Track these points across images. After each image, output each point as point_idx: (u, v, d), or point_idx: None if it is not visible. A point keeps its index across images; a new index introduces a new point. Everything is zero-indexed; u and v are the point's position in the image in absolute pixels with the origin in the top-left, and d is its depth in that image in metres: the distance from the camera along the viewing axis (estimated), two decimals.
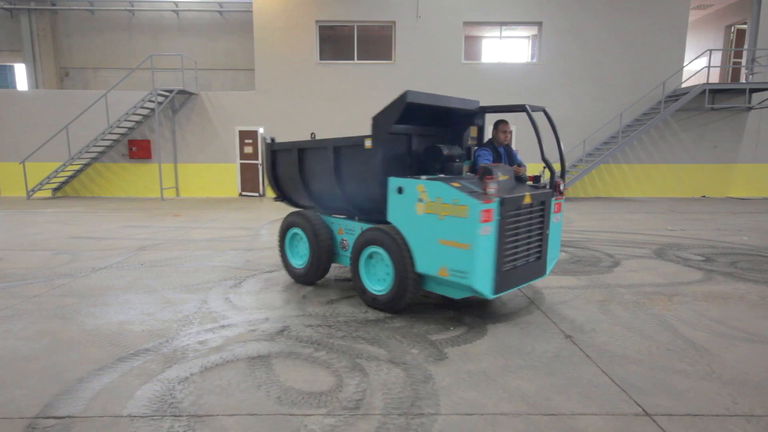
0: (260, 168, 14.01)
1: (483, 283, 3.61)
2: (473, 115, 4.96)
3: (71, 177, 13.91)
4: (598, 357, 3.33)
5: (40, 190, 13.24)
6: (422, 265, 3.87)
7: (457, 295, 3.88)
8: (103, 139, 13.30)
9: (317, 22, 13.79)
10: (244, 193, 14.26)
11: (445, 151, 4.52)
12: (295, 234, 5.12)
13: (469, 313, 4.21)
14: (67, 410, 2.64)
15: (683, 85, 13.68)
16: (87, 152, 13.31)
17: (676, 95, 13.45)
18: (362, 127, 15.03)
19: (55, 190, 14.01)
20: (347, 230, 4.71)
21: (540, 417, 2.59)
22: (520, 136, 13.94)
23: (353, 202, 4.61)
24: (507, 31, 14.68)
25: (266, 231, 8.44)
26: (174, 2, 15.19)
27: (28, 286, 4.97)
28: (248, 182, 14.22)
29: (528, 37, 15.43)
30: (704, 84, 12.61)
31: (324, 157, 4.68)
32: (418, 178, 3.91)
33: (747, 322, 4.00)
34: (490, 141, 4.86)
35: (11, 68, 16.47)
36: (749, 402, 2.75)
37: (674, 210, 11.26)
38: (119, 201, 13.12)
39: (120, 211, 11.00)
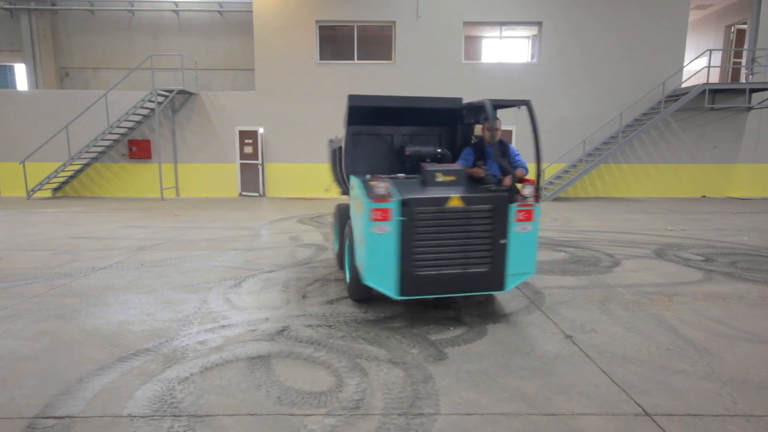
0: (260, 168, 14.02)
1: (380, 282, 3.67)
2: (461, 112, 4.93)
3: (71, 177, 13.91)
4: (598, 357, 3.33)
5: (40, 190, 13.24)
6: (355, 258, 4.07)
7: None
8: (103, 139, 13.30)
9: (317, 22, 13.79)
10: (244, 193, 14.26)
11: (408, 151, 4.54)
12: None
13: (469, 313, 4.21)
14: (67, 410, 2.64)
15: (683, 85, 13.68)
16: (87, 152, 13.31)
17: (676, 95, 13.45)
18: None
19: (55, 190, 14.01)
20: None
21: (540, 417, 2.59)
22: (519, 136, 13.94)
23: None
24: (507, 31, 14.68)
25: (266, 231, 8.44)
26: (174, 2, 15.19)
27: (28, 286, 4.97)
28: (248, 182, 14.22)
29: (528, 37, 15.43)
30: (704, 84, 12.61)
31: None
32: (360, 177, 4.03)
33: (747, 322, 4.00)
34: (481, 140, 4.77)
35: (11, 68, 16.47)
36: (749, 402, 2.75)
37: (674, 210, 11.26)
38: (119, 201, 13.12)
39: (120, 211, 11.00)
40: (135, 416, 2.58)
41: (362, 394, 2.81)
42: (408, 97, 4.69)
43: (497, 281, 3.89)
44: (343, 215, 5.15)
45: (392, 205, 3.54)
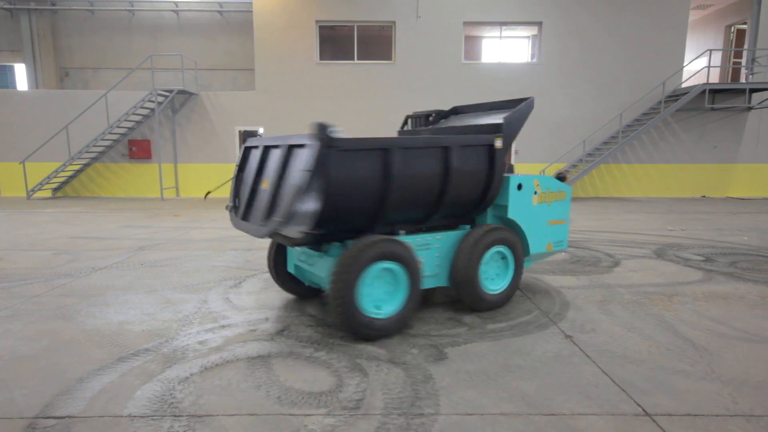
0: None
1: (567, 243, 4.83)
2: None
3: (71, 177, 13.92)
4: (598, 357, 3.33)
5: (40, 190, 13.25)
6: (535, 247, 4.56)
7: (527, 264, 4.79)
8: (103, 139, 13.30)
9: (317, 22, 13.79)
10: None
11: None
12: (386, 270, 3.62)
13: (469, 313, 4.21)
14: (67, 410, 2.64)
15: (683, 85, 13.69)
16: (87, 152, 13.31)
17: (676, 95, 13.45)
18: (363, 127, 15.03)
19: (55, 190, 14.02)
20: (421, 247, 4.02)
21: (540, 417, 2.59)
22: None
23: (451, 207, 4.08)
24: (507, 31, 14.69)
25: None
26: (174, 2, 15.20)
27: (28, 286, 4.97)
28: None
29: (528, 37, 15.44)
30: (704, 84, 12.62)
31: (438, 158, 3.84)
32: (528, 175, 4.49)
33: (747, 322, 4.00)
34: None
35: (11, 68, 16.48)
36: (749, 402, 2.75)
37: (674, 210, 11.26)
38: (119, 201, 13.12)
39: (120, 211, 11.00)
40: (135, 416, 2.58)
41: (362, 394, 2.81)
42: (497, 102, 4.82)
43: None
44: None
45: None
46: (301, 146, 3.42)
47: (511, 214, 4.33)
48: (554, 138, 14.01)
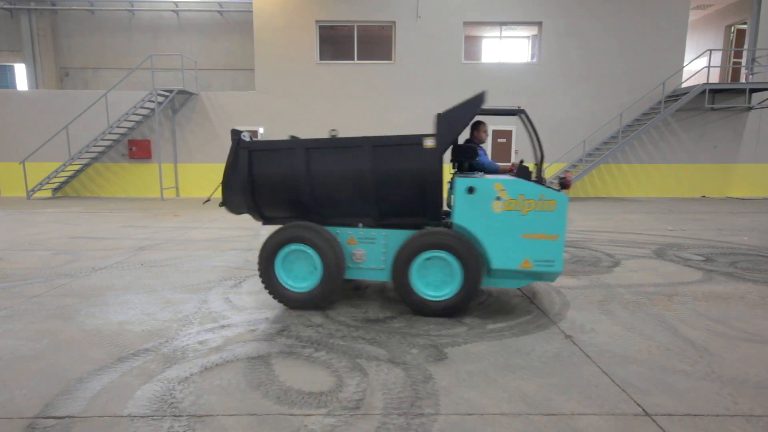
0: None
1: (561, 265, 4.00)
2: None
3: (71, 177, 13.91)
4: (598, 357, 3.33)
5: (40, 190, 13.25)
6: (500, 261, 3.99)
7: (519, 284, 4.22)
8: (103, 139, 13.30)
9: (317, 22, 13.79)
10: None
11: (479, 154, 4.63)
12: (295, 251, 4.23)
13: (469, 313, 4.21)
14: (67, 410, 2.64)
15: (683, 85, 13.68)
16: (87, 152, 13.31)
17: (676, 95, 13.45)
18: (363, 127, 15.01)
19: (55, 190, 14.01)
20: (363, 240, 4.28)
21: (540, 417, 2.59)
22: (519, 135, 13.95)
23: (388, 206, 4.19)
24: (507, 31, 14.69)
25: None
26: (174, 2, 15.20)
27: (28, 286, 4.97)
28: None
29: (528, 37, 15.43)
30: (704, 84, 12.62)
31: (355, 158, 4.08)
32: (492, 177, 4.05)
33: (747, 322, 4.00)
34: (471, 140, 4.88)
35: (11, 68, 16.48)
36: (749, 402, 2.75)
37: (674, 210, 11.26)
38: (119, 201, 13.12)
39: (120, 211, 11.00)
40: (135, 416, 2.58)
41: (362, 394, 2.81)
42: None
43: None
44: (330, 238, 4.22)
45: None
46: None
47: (458, 219, 3.98)
48: (554, 138, 13.99)
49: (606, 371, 3.12)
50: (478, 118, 4.71)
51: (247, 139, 4.31)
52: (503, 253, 3.96)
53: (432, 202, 4.08)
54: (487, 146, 13.46)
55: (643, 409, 2.67)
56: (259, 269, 4.28)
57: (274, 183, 4.27)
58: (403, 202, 4.14)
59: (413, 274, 4.06)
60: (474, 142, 4.87)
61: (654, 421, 2.56)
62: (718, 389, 2.89)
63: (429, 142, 3.93)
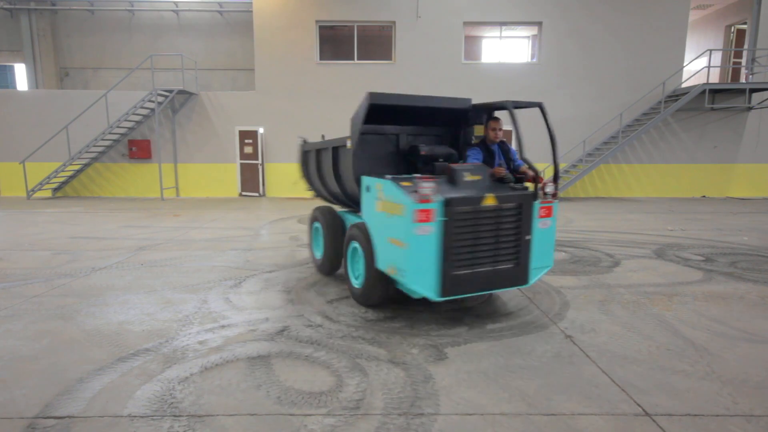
0: (260, 168, 14.04)
1: (422, 284, 3.59)
2: (467, 113, 4.94)
3: (71, 177, 13.91)
4: (598, 357, 3.33)
5: (40, 190, 13.25)
6: (379, 262, 3.95)
7: (413, 294, 3.90)
8: (103, 139, 13.30)
9: (317, 22, 13.79)
10: (244, 193, 14.26)
11: (423, 151, 4.50)
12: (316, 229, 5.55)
13: (469, 313, 4.21)
14: (67, 410, 2.64)
15: (683, 85, 13.68)
16: (87, 152, 13.31)
17: (676, 95, 13.45)
18: None
19: (55, 190, 14.01)
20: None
21: (540, 417, 2.59)
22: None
23: (350, 198, 4.88)
24: (507, 31, 14.69)
25: (266, 231, 8.44)
26: (174, 2, 15.20)
27: (28, 286, 4.97)
28: (248, 182, 14.22)
29: (528, 37, 15.43)
30: (704, 84, 12.62)
31: (326, 157, 5.10)
32: (382, 177, 3.93)
33: (747, 322, 4.00)
34: (483, 140, 4.77)
35: (11, 68, 16.48)
36: (749, 402, 2.75)
37: (674, 210, 11.26)
38: (119, 201, 13.12)
39: (120, 211, 11.00)
40: (135, 416, 2.58)
41: (362, 394, 2.81)
42: (426, 96, 4.64)
43: (522, 276, 3.97)
44: (329, 219, 5.14)
45: (436, 206, 3.52)
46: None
47: (363, 215, 4.34)
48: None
49: (606, 371, 3.12)
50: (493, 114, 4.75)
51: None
52: (380, 254, 3.95)
53: (351, 196, 4.77)
54: None
55: (643, 409, 2.67)
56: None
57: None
58: (340, 195, 5.19)
59: (348, 263, 4.71)
60: (485, 141, 4.74)
61: (654, 421, 2.56)
62: (718, 389, 2.89)
63: (348, 143, 4.46)
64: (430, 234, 3.52)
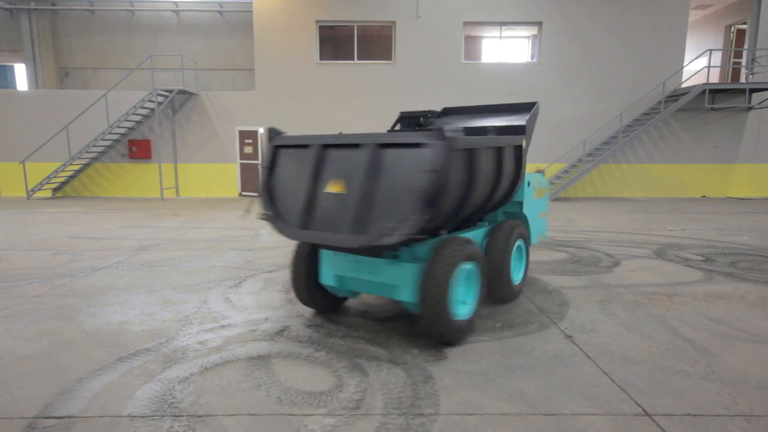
0: (260, 168, 14.04)
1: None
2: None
3: (71, 177, 13.92)
4: (598, 357, 3.33)
5: (40, 190, 13.25)
6: (534, 239, 5.04)
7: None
8: (103, 139, 13.31)
9: (317, 22, 13.79)
10: (244, 193, 14.26)
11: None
12: (469, 271, 3.64)
13: None
14: (67, 410, 2.64)
15: (683, 85, 13.69)
16: (87, 152, 13.32)
17: (676, 95, 13.45)
18: (363, 127, 15.00)
19: (55, 190, 14.02)
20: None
21: (540, 417, 2.59)
22: None
23: (494, 204, 4.24)
24: (507, 31, 14.69)
25: (266, 231, 8.44)
26: (174, 2, 15.20)
27: (28, 286, 4.97)
28: (248, 182, 14.22)
29: (528, 37, 15.44)
30: (704, 84, 12.62)
31: (491, 157, 3.78)
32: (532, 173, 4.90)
33: (747, 322, 4.00)
34: None
35: (11, 68, 16.48)
36: (749, 402, 2.75)
37: (674, 210, 11.26)
38: (119, 201, 13.12)
39: (120, 211, 11.00)
40: (135, 416, 2.58)
41: (362, 394, 2.81)
42: (492, 105, 5.08)
43: None
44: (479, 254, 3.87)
45: None
46: (413, 145, 3.16)
47: (526, 210, 4.84)
48: (554, 138, 14.01)
49: (606, 371, 3.12)
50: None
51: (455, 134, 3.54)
52: (535, 231, 5.12)
53: (512, 195, 4.62)
54: None
55: (643, 409, 2.67)
56: (430, 299, 3.29)
57: (461, 187, 3.72)
58: (503, 199, 4.87)
59: (513, 264, 4.77)
60: None
61: (654, 421, 2.56)
62: (718, 389, 2.89)
63: (524, 143, 4.33)
64: None
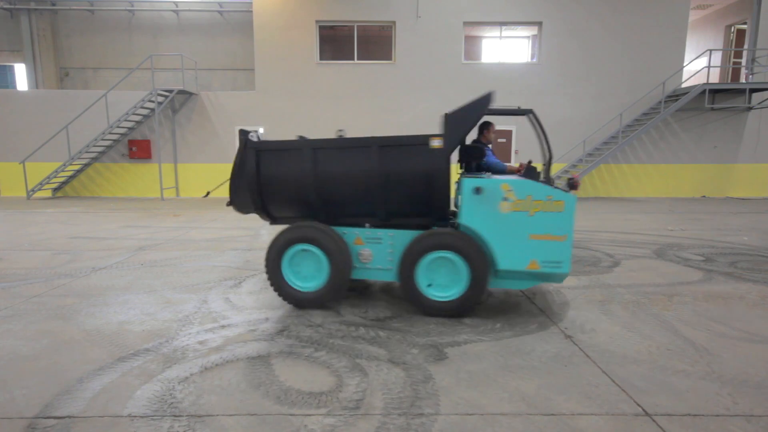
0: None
1: (569, 265, 3.93)
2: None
3: (71, 177, 13.92)
4: (598, 357, 3.33)
5: (40, 190, 13.25)
6: (506, 262, 3.95)
7: (526, 285, 4.14)
8: (103, 139, 13.30)
9: (317, 22, 13.79)
10: None
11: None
12: (303, 251, 4.26)
13: (469, 313, 4.21)
14: (67, 410, 2.64)
15: (683, 85, 13.68)
16: (87, 152, 13.32)
17: (676, 95, 13.45)
18: (363, 127, 15.01)
19: (55, 190, 14.01)
20: (370, 240, 4.29)
21: (540, 417, 2.59)
22: (518, 137, 13.96)
23: (395, 206, 4.20)
24: (507, 31, 14.69)
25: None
26: (174, 2, 15.19)
27: (28, 286, 4.97)
28: None
29: (528, 37, 15.43)
30: (704, 84, 12.62)
31: (362, 158, 4.07)
32: (499, 178, 4.01)
33: (747, 322, 4.00)
34: (480, 141, 4.95)
35: (11, 68, 16.47)
36: (749, 402, 2.75)
37: (674, 210, 11.26)
38: (119, 201, 13.11)
39: (120, 211, 10.99)
40: (135, 416, 2.58)
41: (362, 394, 2.81)
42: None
43: None
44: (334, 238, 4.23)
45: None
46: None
47: (465, 220, 3.96)
48: (554, 138, 13.96)
49: (606, 371, 3.12)
50: (486, 118, 4.80)
51: (255, 139, 4.32)
52: (510, 254, 3.91)
53: (439, 202, 4.08)
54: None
55: (643, 409, 2.67)
56: (266, 269, 4.30)
57: (282, 183, 4.28)
58: (410, 202, 4.15)
59: (419, 275, 4.07)
60: (482, 142, 4.91)
61: (654, 421, 2.56)
62: (718, 389, 2.89)
63: (436, 143, 3.94)
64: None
